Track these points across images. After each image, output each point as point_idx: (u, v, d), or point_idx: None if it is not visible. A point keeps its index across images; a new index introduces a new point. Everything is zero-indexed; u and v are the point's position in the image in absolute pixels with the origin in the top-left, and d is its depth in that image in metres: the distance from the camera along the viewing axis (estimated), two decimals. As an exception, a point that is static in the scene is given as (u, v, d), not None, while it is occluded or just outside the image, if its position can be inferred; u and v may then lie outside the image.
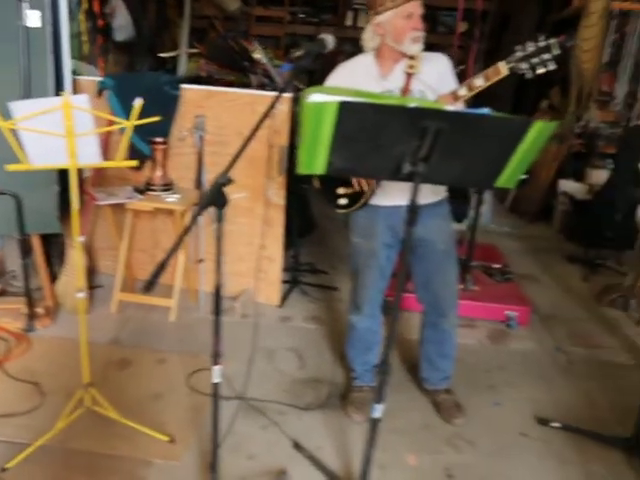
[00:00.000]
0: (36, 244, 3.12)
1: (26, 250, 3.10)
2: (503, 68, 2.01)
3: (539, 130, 1.55)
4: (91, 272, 3.66)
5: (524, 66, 1.98)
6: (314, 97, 1.49)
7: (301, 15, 8.04)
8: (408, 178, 1.61)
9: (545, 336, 3.44)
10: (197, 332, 3.17)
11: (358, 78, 2.23)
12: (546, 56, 1.96)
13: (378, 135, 1.52)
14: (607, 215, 4.53)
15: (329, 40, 1.82)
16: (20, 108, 1.87)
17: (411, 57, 2.19)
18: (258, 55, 4.67)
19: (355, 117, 1.48)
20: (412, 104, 1.58)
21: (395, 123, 1.50)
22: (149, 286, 1.41)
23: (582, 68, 4.99)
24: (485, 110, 1.92)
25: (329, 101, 1.44)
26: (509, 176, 1.72)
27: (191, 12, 7.88)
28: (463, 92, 2.07)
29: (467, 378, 2.93)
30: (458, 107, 2.13)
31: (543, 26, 6.31)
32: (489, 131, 1.57)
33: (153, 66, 7.40)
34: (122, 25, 6.05)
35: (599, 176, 5.33)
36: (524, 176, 3.69)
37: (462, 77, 2.28)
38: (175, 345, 3.05)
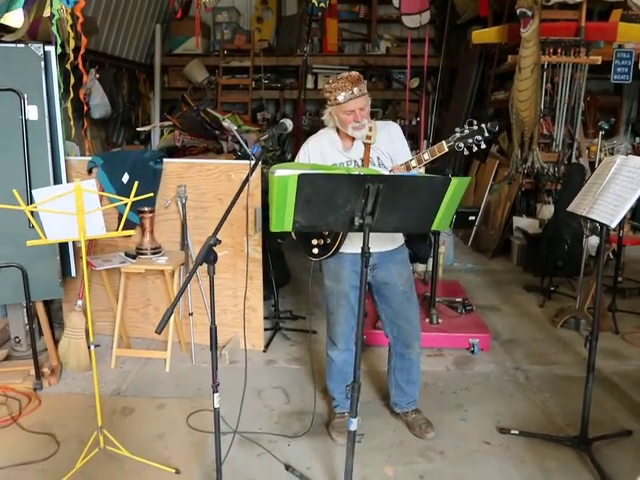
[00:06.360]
0: (40, 310, 3.44)
1: (31, 316, 3.43)
2: (444, 146, 2.50)
3: (457, 184, 1.99)
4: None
5: (461, 145, 2.48)
6: (279, 172, 1.91)
7: (265, 81, 8.58)
8: (359, 229, 2.03)
9: (505, 358, 3.84)
10: (191, 379, 3.49)
11: (326, 150, 2.69)
12: (478, 137, 2.45)
13: (332, 197, 1.94)
14: (556, 246, 5.00)
15: (288, 124, 2.28)
16: (40, 194, 2.26)
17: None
18: (227, 123, 5.14)
19: (311, 185, 1.89)
20: (355, 172, 2.01)
21: (344, 187, 1.93)
22: (162, 328, 1.79)
23: (521, 116, 5.56)
24: (414, 172, 2.37)
25: (290, 174, 1.86)
26: (441, 220, 2.14)
27: (161, 85, 8.45)
28: (414, 164, 2.54)
29: (437, 400, 3.29)
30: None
31: (485, 79, 6.96)
32: (418, 189, 2.00)
33: (127, 138, 7.90)
34: (99, 104, 6.54)
35: (548, 211, 5.85)
36: (472, 218, 4.15)
37: (417, 127, 2.75)
38: (172, 392, 3.36)
